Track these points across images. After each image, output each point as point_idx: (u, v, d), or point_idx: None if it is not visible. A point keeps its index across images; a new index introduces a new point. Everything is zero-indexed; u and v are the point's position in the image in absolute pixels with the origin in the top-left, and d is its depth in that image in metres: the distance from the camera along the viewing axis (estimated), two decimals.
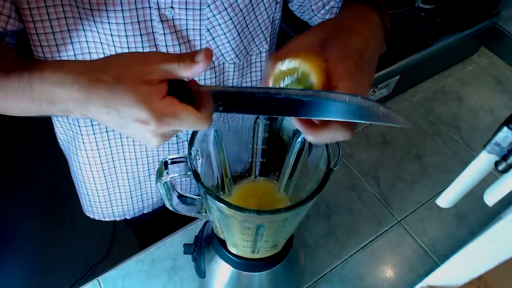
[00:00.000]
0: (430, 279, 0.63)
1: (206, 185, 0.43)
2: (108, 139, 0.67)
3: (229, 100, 0.36)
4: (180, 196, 0.53)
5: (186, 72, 0.35)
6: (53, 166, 1.83)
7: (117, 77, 0.35)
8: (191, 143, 0.45)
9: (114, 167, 0.73)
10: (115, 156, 0.71)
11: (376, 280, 0.74)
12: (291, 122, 0.52)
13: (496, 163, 0.37)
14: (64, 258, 1.65)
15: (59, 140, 0.73)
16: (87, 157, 0.70)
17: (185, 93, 0.37)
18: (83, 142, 0.67)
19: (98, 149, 0.68)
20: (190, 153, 0.45)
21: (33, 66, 0.40)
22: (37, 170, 1.88)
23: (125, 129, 0.38)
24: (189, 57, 0.35)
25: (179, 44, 0.56)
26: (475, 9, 1.06)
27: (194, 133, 0.46)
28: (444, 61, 1.08)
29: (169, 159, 0.46)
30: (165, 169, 0.46)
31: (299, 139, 0.52)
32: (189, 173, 0.45)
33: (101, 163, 0.71)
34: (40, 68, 0.39)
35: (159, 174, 0.46)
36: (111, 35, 0.53)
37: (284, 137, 0.54)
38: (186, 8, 0.53)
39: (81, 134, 0.66)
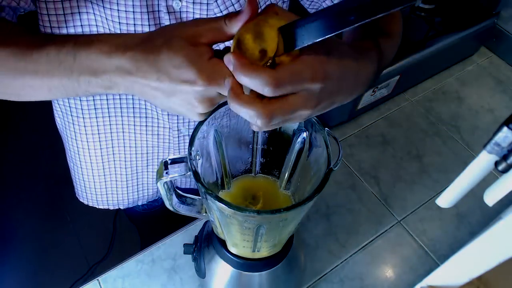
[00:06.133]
0: (430, 279, 0.63)
1: (206, 184, 0.43)
2: (110, 124, 0.66)
3: None
4: (180, 196, 0.53)
5: (232, 26, 0.37)
6: (53, 166, 1.83)
7: (167, 42, 0.37)
8: (191, 143, 0.45)
9: (113, 153, 0.72)
10: (115, 142, 0.70)
11: (376, 280, 0.74)
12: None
13: (496, 163, 0.37)
14: (64, 258, 1.65)
15: (57, 124, 0.72)
16: (87, 142, 0.69)
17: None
18: (84, 126, 0.66)
19: (99, 134, 0.67)
20: (190, 153, 0.45)
21: (78, 37, 0.41)
22: (37, 170, 1.88)
23: (172, 98, 0.39)
24: (234, 13, 0.37)
25: None
26: (475, 9, 1.06)
27: (194, 133, 0.46)
28: (444, 61, 1.08)
29: (169, 159, 0.46)
30: (165, 169, 0.46)
31: (299, 139, 0.52)
32: (189, 173, 0.45)
33: (100, 149, 0.70)
34: (86, 39, 0.40)
35: (159, 175, 0.46)
36: (119, 22, 0.53)
37: (285, 137, 0.54)
38: (193, 2, 0.53)
39: (83, 117, 0.65)
